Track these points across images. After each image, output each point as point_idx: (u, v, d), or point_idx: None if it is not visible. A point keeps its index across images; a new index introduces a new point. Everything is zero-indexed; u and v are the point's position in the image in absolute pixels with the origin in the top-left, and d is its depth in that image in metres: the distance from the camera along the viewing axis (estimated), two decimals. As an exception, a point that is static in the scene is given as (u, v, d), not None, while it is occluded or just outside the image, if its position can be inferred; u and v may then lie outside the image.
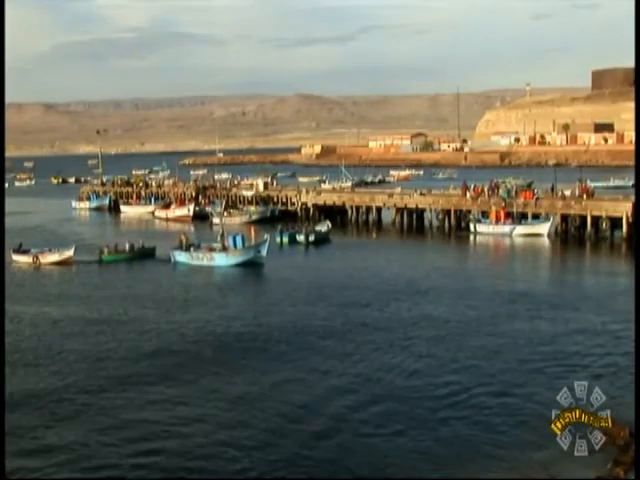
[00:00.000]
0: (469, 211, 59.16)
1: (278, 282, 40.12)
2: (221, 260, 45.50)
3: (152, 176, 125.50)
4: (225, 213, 72.66)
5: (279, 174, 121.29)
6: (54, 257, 47.67)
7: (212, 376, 23.77)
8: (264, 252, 45.18)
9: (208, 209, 74.51)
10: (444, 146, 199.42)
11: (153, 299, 36.03)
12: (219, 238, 46.97)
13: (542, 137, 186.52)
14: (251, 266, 44.23)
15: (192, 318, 31.68)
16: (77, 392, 22.55)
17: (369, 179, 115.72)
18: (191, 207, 75.27)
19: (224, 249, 46.07)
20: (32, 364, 25.57)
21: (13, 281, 40.36)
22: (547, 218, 54.17)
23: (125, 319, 32.07)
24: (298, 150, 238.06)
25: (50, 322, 31.83)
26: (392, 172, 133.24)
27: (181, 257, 46.75)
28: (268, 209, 71.76)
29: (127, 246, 48.74)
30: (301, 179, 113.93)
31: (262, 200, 75.41)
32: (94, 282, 41.95)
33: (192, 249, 46.96)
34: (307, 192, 72.86)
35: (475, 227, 55.94)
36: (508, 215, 55.22)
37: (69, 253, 47.40)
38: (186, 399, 21.67)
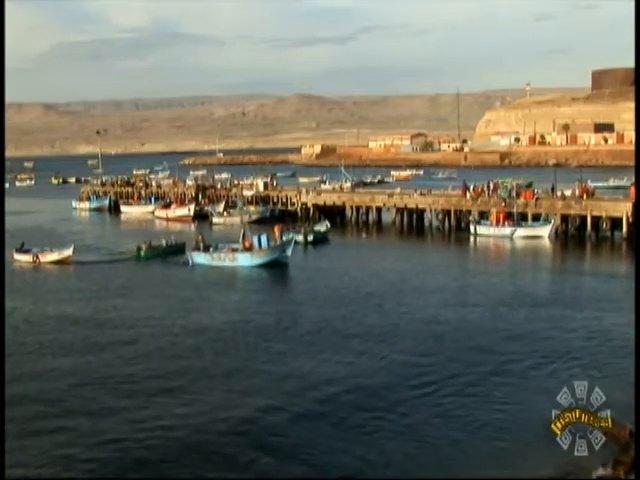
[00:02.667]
0: (469, 211, 59.10)
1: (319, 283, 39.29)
2: (245, 260, 44.24)
3: (152, 176, 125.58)
4: (225, 213, 72.99)
5: (279, 174, 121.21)
6: (53, 256, 48.28)
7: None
8: (289, 252, 44.13)
9: (207, 208, 74.87)
10: (444, 146, 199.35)
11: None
12: (240, 238, 45.78)
13: (542, 137, 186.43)
14: (276, 266, 43.24)
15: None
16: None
17: (368, 179, 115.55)
18: (192, 207, 75.32)
19: (248, 249, 44.83)
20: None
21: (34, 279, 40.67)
22: (548, 220, 54.01)
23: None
24: (298, 150, 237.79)
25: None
26: (393, 172, 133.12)
27: (200, 258, 45.34)
28: (267, 209, 71.80)
29: (163, 242, 50.25)
30: (301, 179, 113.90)
31: (262, 200, 75.54)
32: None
33: (211, 250, 45.83)
34: (307, 192, 72.87)
35: (475, 229, 55.85)
36: (508, 216, 55.11)
37: (68, 252, 48.04)
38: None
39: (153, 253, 48.85)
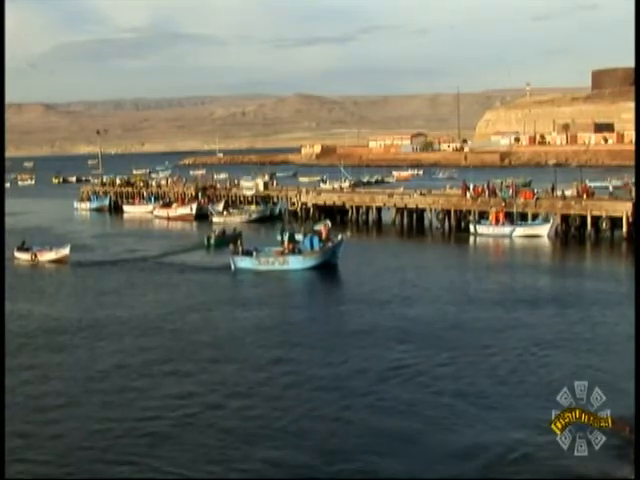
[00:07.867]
0: (469, 211, 59.15)
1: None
2: (296, 263, 42.72)
3: (153, 175, 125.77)
4: (225, 212, 73.10)
5: (281, 174, 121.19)
6: (51, 255, 48.83)
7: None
8: (339, 254, 43.26)
9: (207, 207, 75.04)
10: (444, 146, 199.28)
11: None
12: (286, 241, 44.33)
13: (542, 137, 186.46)
14: (326, 268, 42.39)
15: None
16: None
17: (366, 179, 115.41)
18: (194, 206, 75.45)
19: (298, 251, 43.57)
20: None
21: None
22: (547, 219, 54.07)
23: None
24: (298, 150, 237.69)
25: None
26: (394, 172, 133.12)
27: (245, 263, 43.50)
28: (268, 208, 71.97)
29: (225, 232, 54.79)
30: (301, 179, 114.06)
31: (262, 199, 75.78)
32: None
33: (255, 254, 44.17)
34: (307, 192, 72.92)
35: (475, 228, 55.91)
36: (507, 216, 55.14)
37: (65, 252, 48.57)
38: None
39: (220, 241, 52.08)
